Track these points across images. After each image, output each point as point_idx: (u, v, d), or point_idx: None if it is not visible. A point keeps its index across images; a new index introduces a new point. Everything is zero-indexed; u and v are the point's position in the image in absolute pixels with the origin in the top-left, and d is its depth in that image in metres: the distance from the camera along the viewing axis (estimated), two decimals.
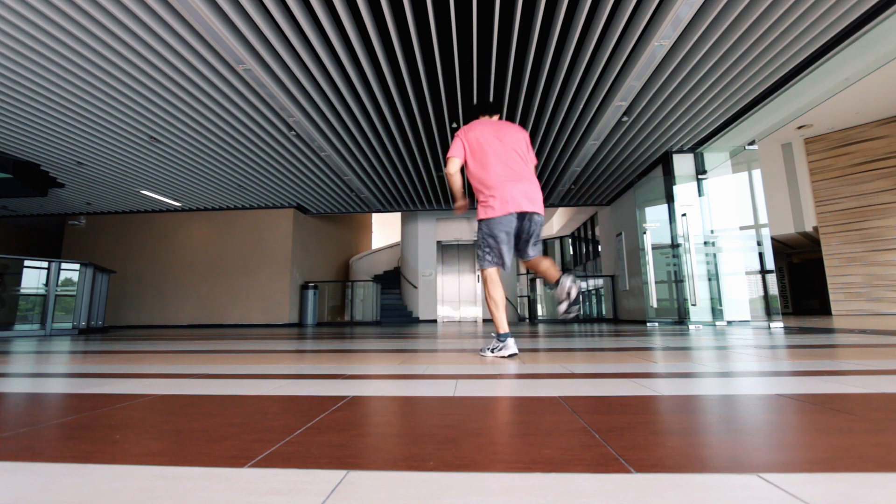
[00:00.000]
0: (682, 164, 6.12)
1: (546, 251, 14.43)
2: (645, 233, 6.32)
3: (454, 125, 5.33)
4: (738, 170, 5.91)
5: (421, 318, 10.31)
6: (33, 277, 6.46)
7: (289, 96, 4.56)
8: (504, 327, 2.24)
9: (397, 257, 12.63)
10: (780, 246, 11.92)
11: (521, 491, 0.54)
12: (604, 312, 9.66)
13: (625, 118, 5.08)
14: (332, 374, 1.64)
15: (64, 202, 8.47)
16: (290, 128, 5.30)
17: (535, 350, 2.58)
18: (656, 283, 6.24)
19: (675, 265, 6.25)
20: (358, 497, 0.53)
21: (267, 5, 3.21)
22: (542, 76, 4.24)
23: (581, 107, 4.85)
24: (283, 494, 0.53)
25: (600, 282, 9.94)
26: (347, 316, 10.51)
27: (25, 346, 3.62)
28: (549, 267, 2.39)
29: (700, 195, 6.03)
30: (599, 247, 9.93)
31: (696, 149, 6.06)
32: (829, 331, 3.87)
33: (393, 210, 9.55)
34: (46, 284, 5.95)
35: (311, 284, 9.44)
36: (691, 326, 5.45)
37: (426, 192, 8.31)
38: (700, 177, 6.07)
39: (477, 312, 10.50)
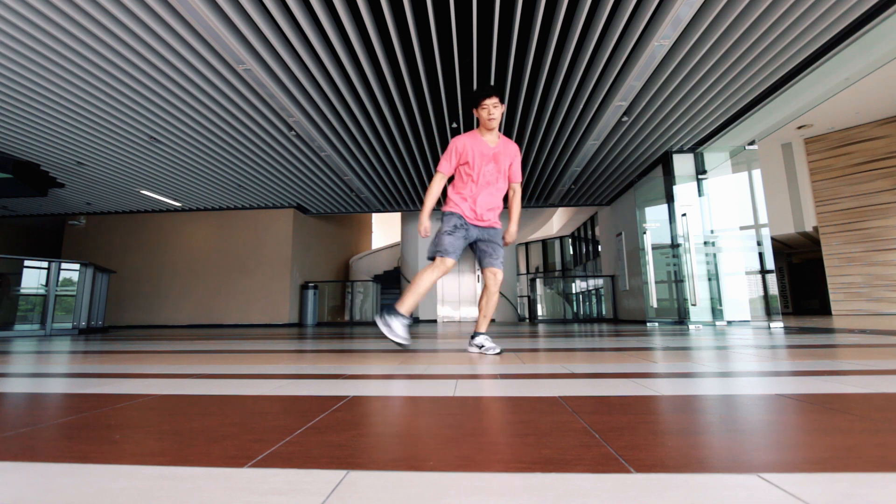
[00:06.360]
0: (682, 164, 6.12)
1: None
2: (645, 233, 6.32)
3: (454, 125, 5.33)
4: (738, 170, 5.91)
5: (421, 318, 10.31)
6: (33, 277, 6.46)
7: (289, 96, 4.56)
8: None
9: (397, 257, 12.63)
10: (780, 246, 11.91)
11: (521, 491, 0.54)
12: (604, 312, 9.66)
13: (625, 118, 5.08)
14: (331, 374, 1.64)
15: (64, 202, 8.47)
16: (290, 128, 5.30)
17: (536, 350, 2.58)
18: (656, 283, 6.24)
19: (675, 265, 6.24)
20: (358, 497, 0.52)
21: (267, 5, 3.21)
22: (542, 76, 4.24)
23: (581, 107, 4.85)
24: (283, 494, 0.53)
25: (600, 282, 9.94)
26: (347, 316, 10.50)
27: (25, 346, 3.62)
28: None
29: (700, 195, 6.02)
30: (599, 247, 9.92)
31: (696, 149, 6.06)
32: (829, 331, 3.87)
33: (393, 210, 9.54)
34: (46, 284, 5.95)
35: (311, 284, 9.44)
36: (691, 326, 5.45)
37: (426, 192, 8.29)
38: (700, 177, 6.07)
39: (476, 312, 10.51)
